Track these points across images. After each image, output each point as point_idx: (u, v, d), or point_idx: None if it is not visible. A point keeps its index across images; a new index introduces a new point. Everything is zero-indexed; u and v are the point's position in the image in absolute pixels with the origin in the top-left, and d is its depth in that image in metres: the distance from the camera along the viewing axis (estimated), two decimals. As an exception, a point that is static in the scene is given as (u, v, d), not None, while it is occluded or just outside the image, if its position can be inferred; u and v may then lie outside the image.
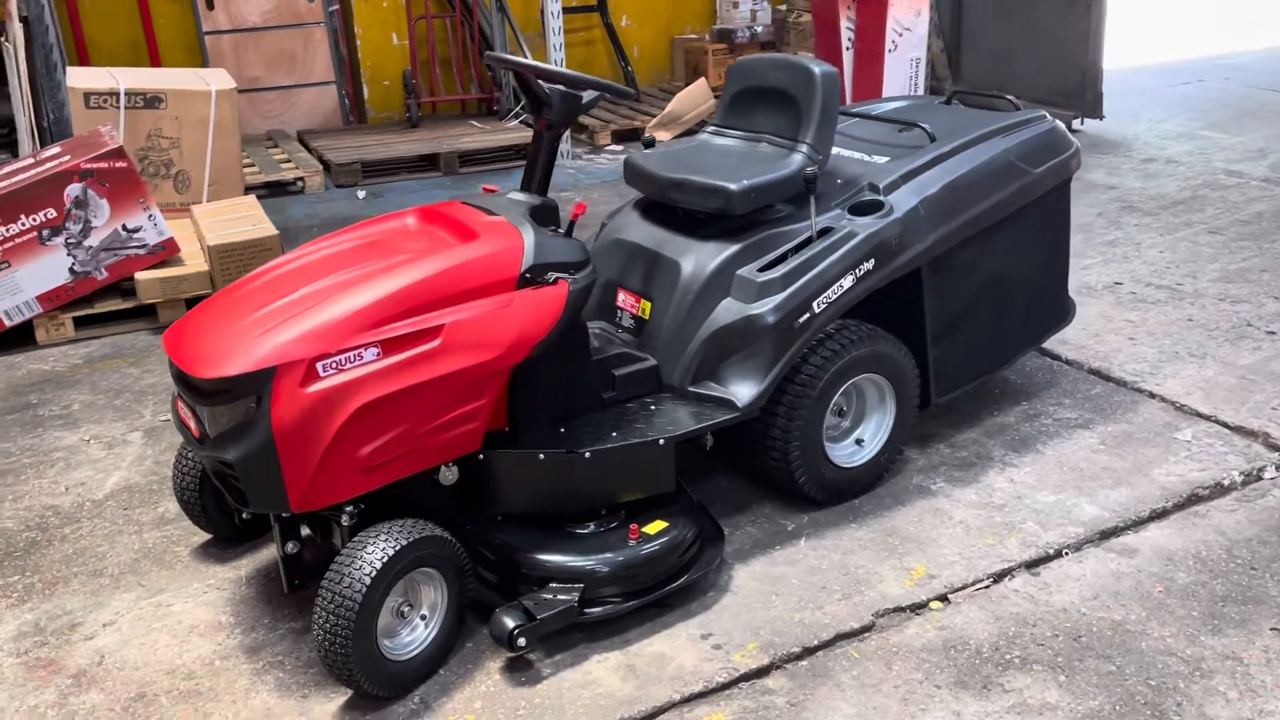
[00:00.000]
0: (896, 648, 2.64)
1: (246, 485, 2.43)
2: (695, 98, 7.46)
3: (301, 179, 6.58)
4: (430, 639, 2.55)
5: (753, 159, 3.16)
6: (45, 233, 4.38)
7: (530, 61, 2.76)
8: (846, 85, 7.67)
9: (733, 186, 2.95)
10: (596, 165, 7.12)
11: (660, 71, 8.94)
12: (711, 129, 3.42)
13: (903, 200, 3.14)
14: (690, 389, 2.95)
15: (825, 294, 2.97)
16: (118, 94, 5.13)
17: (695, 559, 2.84)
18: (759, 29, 8.29)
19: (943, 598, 2.81)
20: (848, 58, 7.60)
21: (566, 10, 7.69)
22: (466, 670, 2.60)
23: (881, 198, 3.14)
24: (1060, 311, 3.74)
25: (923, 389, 3.31)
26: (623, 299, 3.19)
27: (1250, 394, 3.74)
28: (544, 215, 2.80)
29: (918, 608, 2.77)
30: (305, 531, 2.75)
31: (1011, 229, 3.40)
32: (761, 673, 2.57)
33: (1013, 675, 2.53)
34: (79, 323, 4.58)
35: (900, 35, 7.34)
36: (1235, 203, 5.81)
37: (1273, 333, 4.22)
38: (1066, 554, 2.96)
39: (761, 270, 2.96)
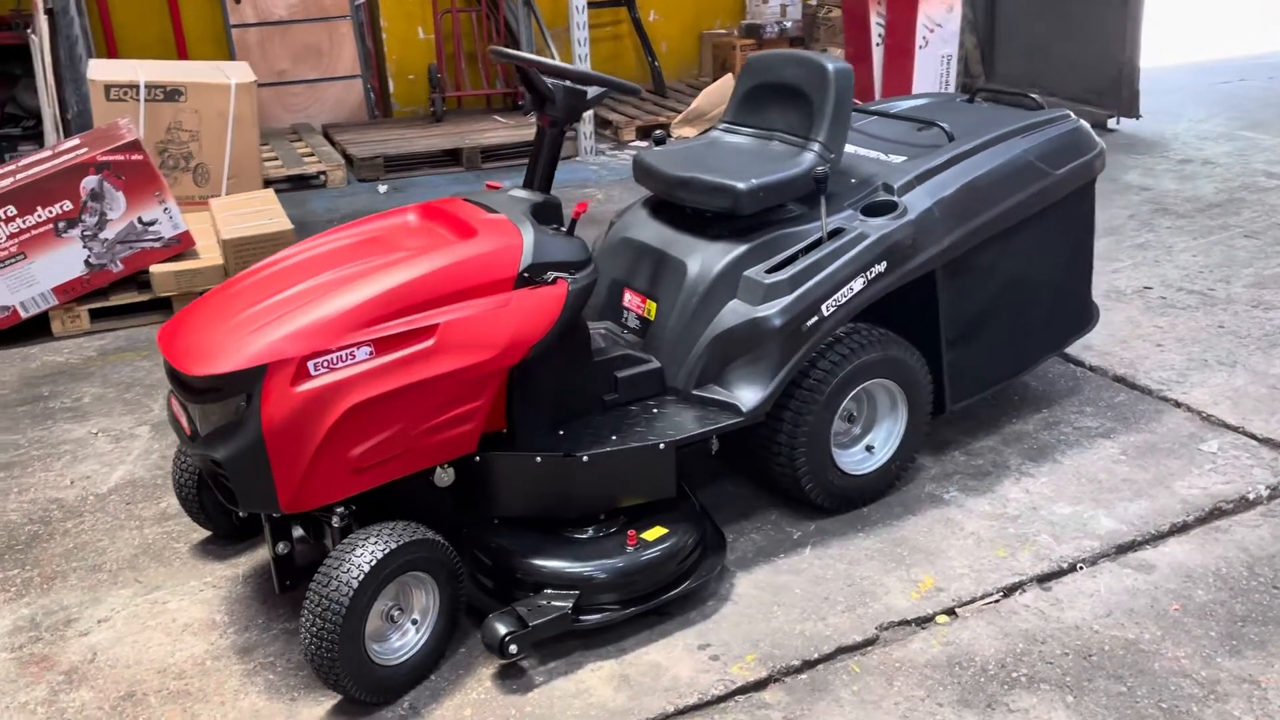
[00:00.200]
0: (899, 663, 2.56)
1: (236, 484, 2.39)
2: (721, 94, 7.37)
3: (323, 173, 6.57)
4: (421, 644, 2.51)
5: (763, 157, 3.08)
6: (61, 225, 4.39)
7: (532, 56, 2.71)
8: (876, 82, 7.56)
9: (740, 186, 2.88)
10: (620, 161, 7.06)
11: (688, 67, 8.86)
12: (723, 126, 3.35)
13: (917, 201, 3.05)
14: (694, 392, 2.89)
15: (834, 297, 2.89)
16: (138, 86, 5.13)
17: (695, 566, 2.77)
18: (788, 24, 8.20)
19: (950, 611, 2.72)
20: (878, 54, 7.49)
21: (594, 5, 7.64)
22: (458, 676, 2.55)
23: (896, 198, 3.06)
24: (1083, 316, 3.64)
25: (937, 395, 3.23)
26: (629, 299, 3.13)
27: (1280, 404, 3.63)
28: (545, 213, 2.74)
29: (923, 621, 2.69)
30: (299, 532, 2.72)
31: (1031, 231, 3.30)
32: (759, 686, 2.50)
33: (1019, 694, 2.45)
34: (94, 315, 4.59)
35: (931, 31, 7.22)
36: (1274, 206, 5.65)
37: (1306, 341, 4.10)
38: (1081, 568, 2.87)
39: (769, 272, 2.89)
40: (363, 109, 7.83)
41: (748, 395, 2.84)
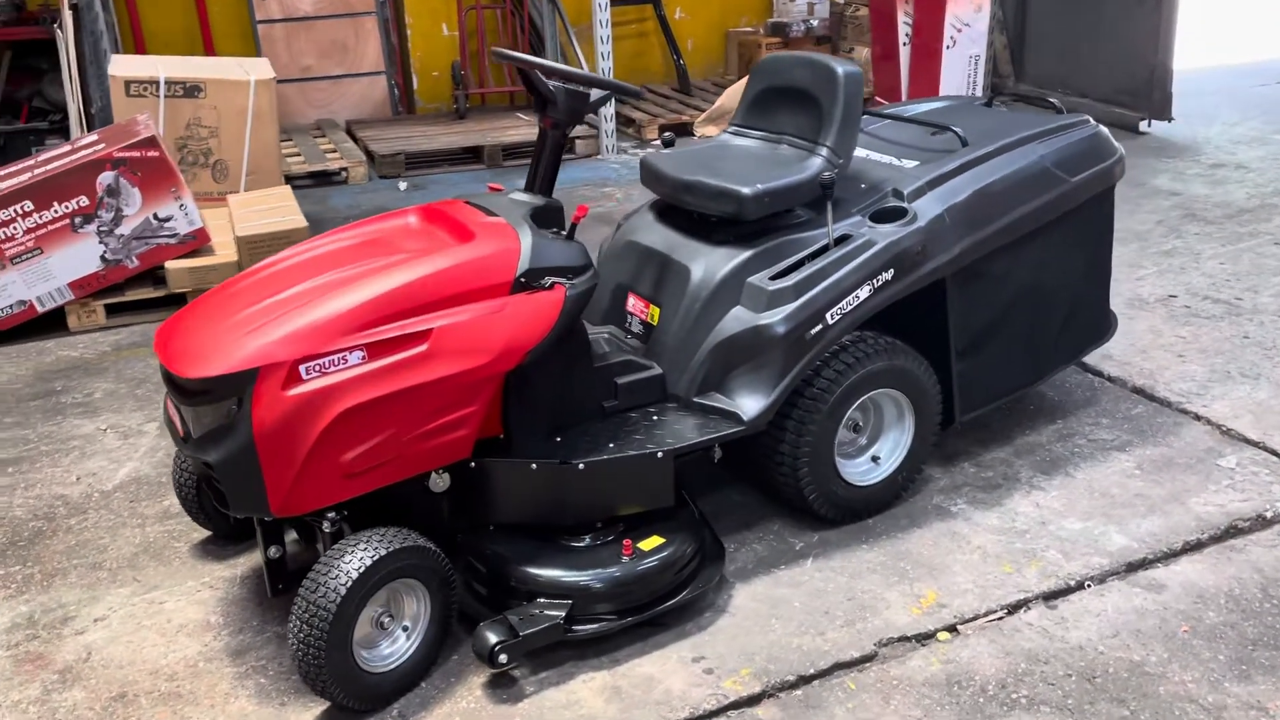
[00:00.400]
0: (897, 680, 2.51)
1: (227, 487, 2.38)
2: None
3: (345, 169, 6.58)
4: (411, 651, 2.49)
5: (770, 162, 3.03)
6: (78, 220, 4.41)
7: (533, 58, 2.68)
8: (903, 82, 7.48)
9: (745, 190, 2.84)
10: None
11: (714, 65, 8.80)
12: (733, 129, 3.30)
13: (928, 208, 2.99)
14: (695, 400, 2.85)
15: (839, 305, 2.84)
16: (158, 82, 5.15)
17: (693, 577, 2.73)
18: (814, 23, 8.12)
19: (951, 628, 2.67)
20: (904, 54, 7.40)
21: (619, 2, 7.60)
22: (449, 684, 2.53)
23: (905, 204, 3.00)
24: (1100, 326, 3.56)
25: (946, 406, 3.17)
26: (632, 304, 3.09)
27: (1304, 419, 3.54)
28: (546, 217, 2.71)
29: (924, 638, 2.64)
30: (293, 535, 2.71)
31: (1046, 239, 3.23)
32: (752, 701, 2.46)
33: (1018, 716, 2.39)
34: (110, 310, 4.61)
35: (959, 31, 7.13)
36: (1306, 212, 5.53)
37: (1334, 353, 3.99)
38: (1089, 586, 2.80)
39: (773, 278, 2.85)
40: (387, 105, 7.84)
41: (749, 404, 2.80)
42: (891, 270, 2.91)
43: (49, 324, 4.55)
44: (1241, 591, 2.75)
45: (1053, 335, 3.38)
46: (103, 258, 4.49)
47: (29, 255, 4.38)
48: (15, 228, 4.34)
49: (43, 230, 4.37)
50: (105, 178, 4.40)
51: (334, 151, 6.82)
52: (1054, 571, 2.85)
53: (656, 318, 2.99)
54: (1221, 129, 7.23)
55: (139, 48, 7.30)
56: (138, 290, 4.64)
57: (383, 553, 2.37)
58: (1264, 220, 5.43)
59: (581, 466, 2.63)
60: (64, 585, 2.93)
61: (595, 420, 2.81)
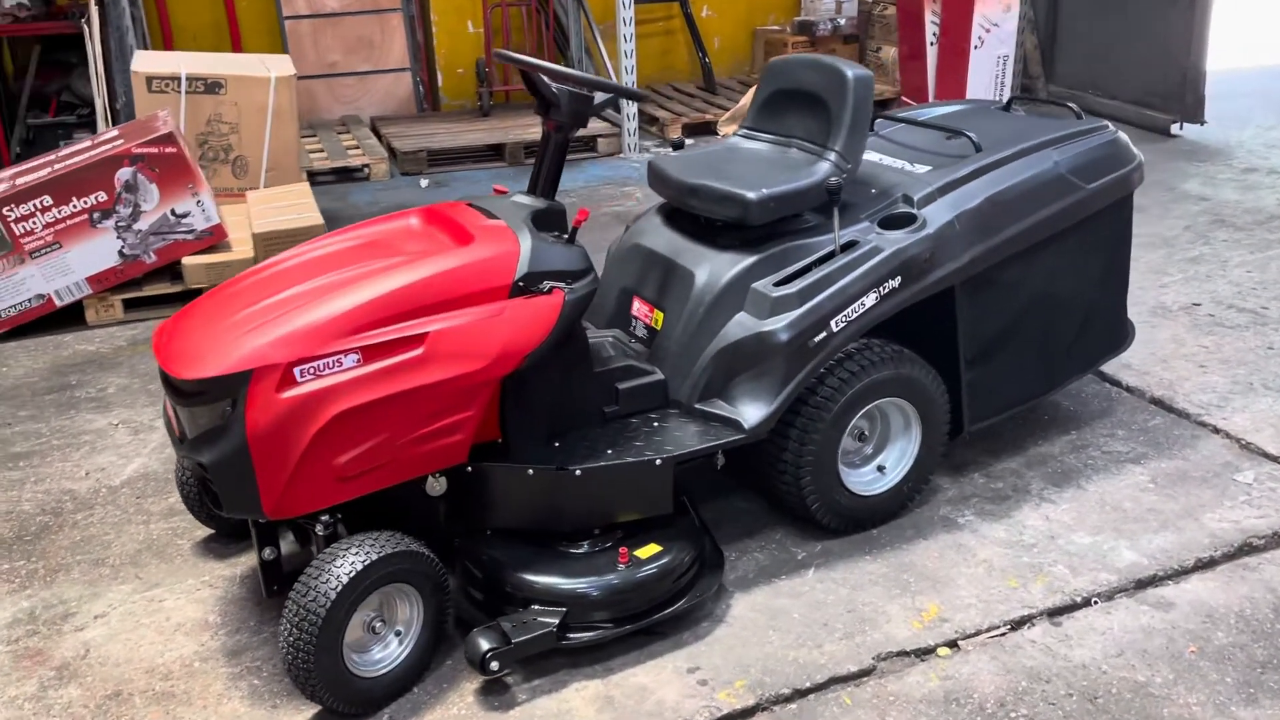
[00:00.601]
0: (894, 696, 2.47)
1: (220, 489, 2.38)
2: (770, 92, 7.25)
3: (367, 166, 6.59)
4: (403, 656, 2.48)
5: (778, 166, 3.00)
6: (96, 215, 4.44)
7: (535, 60, 2.65)
8: (929, 83, 7.40)
9: (750, 195, 2.80)
10: (664, 159, 6.97)
11: (740, 63, 8.74)
12: (742, 132, 3.27)
13: (937, 214, 2.94)
14: (697, 406, 2.82)
15: (844, 312, 2.80)
16: (179, 79, 5.18)
17: (691, 585, 2.70)
18: (842, 21, 8.04)
19: (952, 644, 2.62)
20: (932, 53, 7.32)
21: (645, 0, 7.58)
22: (441, 690, 2.51)
23: (915, 211, 2.95)
24: (1116, 336, 3.49)
25: (955, 415, 3.12)
26: (637, 308, 3.07)
27: (1326, 434, 3.45)
28: (547, 220, 2.69)
29: (923, 653, 2.59)
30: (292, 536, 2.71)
31: (1061, 247, 3.17)
32: (745, 714, 2.43)
33: (1015, 736, 2.34)
34: (128, 305, 4.64)
35: (987, 31, 7.04)
36: (1339, 220, 5.40)
37: (1362, 366, 3.89)
38: (1095, 603, 2.74)
39: (778, 285, 2.81)
40: (411, 102, 7.85)
41: (751, 412, 2.76)
42: (899, 278, 2.86)
43: (67, 318, 4.59)
44: (1253, 612, 2.69)
45: (1066, 344, 3.32)
46: (120, 253, 4.52)
47: (48, 249, 4.42)
48: (34, 222, 4.37)
49: (61, 225, 4.41)
50: (123, 173, 4.42)
51: (357, 148, 6.84)
52: (1060, 587, 2.79)
53: (660, 322, 2.97)
54: (1255, 132, 7.09)
55: (167, 43, 7.36)
56: (155, 285, 4.67)
57: (374, 557, 2.35)
58: (1295, 227, 5.32)
59: (578, 473, 2.60)
60: (67, 581, 2.95)
61: (595, 426, 2.78)
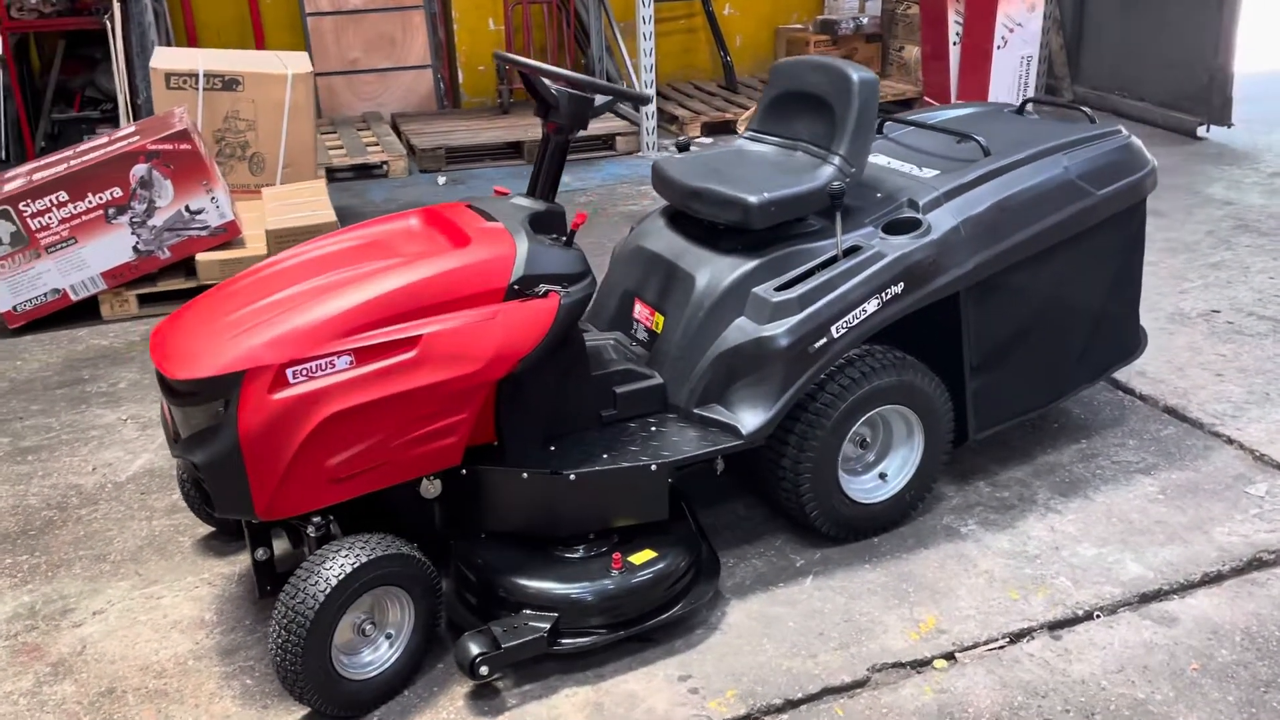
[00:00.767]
0: (887, 709, 2.44)
1: (212, 489, 2.39)
2: (790, 91, 7.20)
3: (386, 163, 6.61)
4: (393, 659, 2.47)
5: (782, 169, 2.97)
6: (111, 211, 4.47)
7: (534, 62, 2.64)
8: (952, 83, 7.33)
9: (752, 199, 2.77)
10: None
11: (762, 62, 8.68)
12: (749, 134, 3.24)
13: (942, 220, 2.90)
14: (695, 411, 2.79)
15: (845, 318, 2.76)
16: (197, 75, 5.21)
17: (685, 592, 2.68)
18: (864, 20, 7.97)
19: (949, 656, 2.58)
20: (954, 53, 7.26)
21: (665, -2, 7.55)
22: (432, 693, 2.51)
23: (920, 216, 2.91)
24: (1128, 344, 3.43)
25: (961, 423, 3.08)
26: (638, 310, 3.05)
27: (1344, 447, 3.38)
28: (546, 223, 2.68)
29: (919, 665, 2.56)
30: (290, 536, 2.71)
31: (1070, 253, 3.12)
32: (735, 724, 2.41)
33: (1009, 752, 2.31)
34: (142, 300, 4.67)
35: (1011, 31, 6.96)
36: (1367, 226, 5.30)
37: (1383, 377, 3.81)
38: (1098, 617, 2.70)
39: (778, 289, 2.78)
40: (432, 99, 7.86)
41: (749, 418, 2.74)
42: (901, 284, 2.82)
43: (83, 312, 4.62)
44: (1259, 629, 2.63)
45: (1076, 352, 3.27)
46: (135, 248, 4.55)
47: (64, 244, 4.45)
48: (50, 217, 4.41)
49: (77, 220, 4.44)
50: (138, 170, 4.45)
51: (376, 145, 6.85)
52: (1062, 600, 2.75)
53: (661, 326, 2.95)
54: (1285, 136, 6.97)
55: (191, 40, 7.41)
56: (170, 280, 4.70)
57: (364, 560, 2.35)
58: (1322, 233, 5.22)
59: (573, 477, 2.59)
60: (68, 576, 2.97)
61: (593, 430, 2.77)
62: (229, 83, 5.25)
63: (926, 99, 7.59)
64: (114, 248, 4.52)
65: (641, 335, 3.02)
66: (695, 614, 2.70)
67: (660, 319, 2.95)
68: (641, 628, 2.59)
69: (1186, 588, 2.79)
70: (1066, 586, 2.80)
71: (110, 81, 6.52)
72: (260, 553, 2.61)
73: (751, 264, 2.84)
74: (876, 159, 3.24)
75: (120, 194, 4.46)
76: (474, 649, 2.42)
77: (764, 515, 3.12)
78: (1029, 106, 3.59)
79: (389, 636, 2.49)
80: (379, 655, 2.47)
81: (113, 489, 3.38)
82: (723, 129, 7.35)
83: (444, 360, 2.42)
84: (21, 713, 2.49)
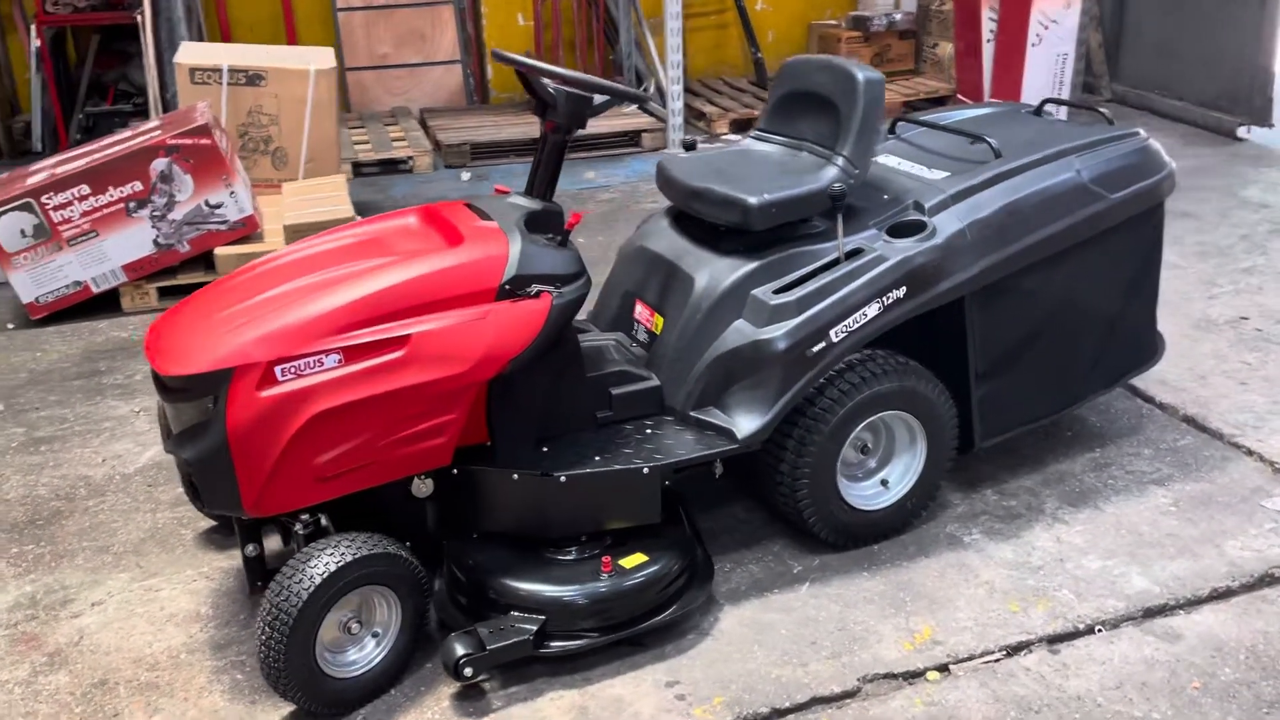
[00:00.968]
0: (875, 720, 2.40)
1: (201, 485, 2.40)
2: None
3: (411, 158, 6.63)
4: (380, 658, 2.47)
5: (786, 170, 2.93)
6: (132, 205, 4.52)
7: (531, 61, 2.62)
8: (985, 81, 7.21)
9: (752, 200, 2.74)
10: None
11: (795, 59, 8.61)
12: (755, 134, 3.20)
13: (948, 223, 2.85)
14: (692, 414, 2.77)
15: (845, 322, 2.72)
16: (221, 70, 5.25)
17: (677, 596, 2.66)
18: (898, 16, 7.87)
19: (943, 668, 2.54)
20: (988, 50, 7.13)
21: (695, -7, 7.51)
22: (419, 693, 2.50)
23: (925, 218, 2.86)
24: (1144, 351, 3.35)
25: (966, 430, 3.02)
26: (639, 311, 3.02)
27: (1368, 460, 3.28)
28: (542, 222, 2.66)
29: (912, 676, 2.52)
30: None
31: (1082, 258, 3.05)
32: (720, 732, 2.38)
33: (997, 769, 2.26)
34: (162, 293, 4.71)
35: (1046, 28, 6.83)
36: None
37: None
38: (1099, 631, 2.64)
39: (778, 292, 2.74)
40: (461, 94, 7.87)
41: (745, 422, 2.70)
42: (904, 288, 2.77)
43: (104, 304, 4.67)
44: (1266, 647, 2.56)
45: (1089, 359, 3.20)
46: (155, 242, 4.59)
47: (85, 237, 4.51)
48: (72, 210, 4.46)
49: (98, 213, 4.49)
50: (158, 164, 4.49)
51: (402, 140, 6.87)
52: (1063, 613, 2.69)
53: (660, 327, 2.92)
54: (1329, 137, 6.78)
55: (224, 35, 7.47)
56: (190, 274, 4.74)
57: (349, 559, 2.35)
58: (1360, 238, 5.08)
59: (563, 479, 2.57)
60: (70, 567, 3.00)
61: (587, 431, 2.75)
62: (253, 78, 5.29)
63: (960, 97, 7.48)
64: (134, 241, 4.57)
65: (642, 336, 3.00)
66: (687, 619, 2.68)
67: (660, 320, 2.93)
68: (631, 632, 2.57)
69: (1193, 603, 2.72)
70: (1069, 599, 2.74)
71: (142, 75, 6.59)
72: (250, 549, 2.62)
73: (751, 266, 2.80)
74: (887, 160, 3.19)
75: (141, 188, 4.51)
76: (459, 650, 2.41)
77: (764, 520, 3.08)
78: (1048, 107, 3.52)
79: (376, 635, 2.48)
80: (365, 654, 2.47)
81: (121, 480, 3.42)
82: (751, 126, 7.27)
83: (433, 360, 2.41)
84: (15, 702, 2.52)
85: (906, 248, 2.79)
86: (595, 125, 7.02)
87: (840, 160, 2.85)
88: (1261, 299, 4.47)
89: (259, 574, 2.66)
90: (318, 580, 2.31)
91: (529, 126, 7.10)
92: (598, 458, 2.64)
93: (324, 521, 2.54)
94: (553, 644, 2.52)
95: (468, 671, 2.41)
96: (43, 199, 4.42)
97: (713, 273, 2.83)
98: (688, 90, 7.81)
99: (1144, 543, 2.95)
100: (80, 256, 4.53)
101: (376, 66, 7.70)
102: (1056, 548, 2.94)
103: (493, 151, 6.88)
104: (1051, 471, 3.29)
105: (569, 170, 6.68)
